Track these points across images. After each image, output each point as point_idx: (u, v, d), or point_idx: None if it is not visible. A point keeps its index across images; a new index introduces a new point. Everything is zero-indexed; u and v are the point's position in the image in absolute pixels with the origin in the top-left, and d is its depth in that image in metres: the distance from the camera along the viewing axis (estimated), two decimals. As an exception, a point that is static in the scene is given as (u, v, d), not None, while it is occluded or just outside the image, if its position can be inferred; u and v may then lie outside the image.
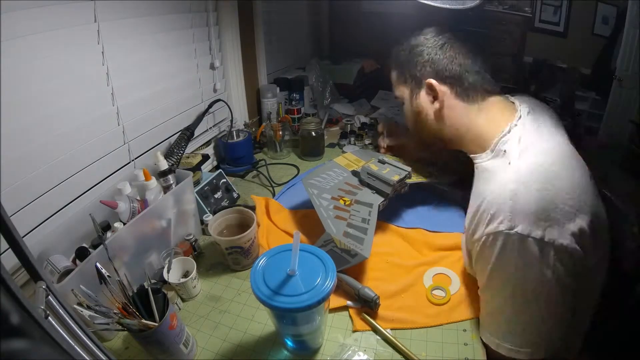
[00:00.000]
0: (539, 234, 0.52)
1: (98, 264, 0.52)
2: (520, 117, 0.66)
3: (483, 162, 0.68)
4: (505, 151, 0.63)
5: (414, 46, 0.77)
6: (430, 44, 0.75)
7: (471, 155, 0.73)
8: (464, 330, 0.63)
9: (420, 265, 0.76)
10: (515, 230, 0.53)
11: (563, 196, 0.54)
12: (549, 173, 0.56)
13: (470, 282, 0.71)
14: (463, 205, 0.81)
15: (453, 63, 0.72)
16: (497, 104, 0.71)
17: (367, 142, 1.32)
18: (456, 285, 0.71)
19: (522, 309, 0.56)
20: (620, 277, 0.72)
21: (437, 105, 0.74)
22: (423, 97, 0.76)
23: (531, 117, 0.66)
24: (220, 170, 1.02)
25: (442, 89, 0.72)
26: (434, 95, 0.74)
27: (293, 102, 1.40)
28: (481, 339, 0.61)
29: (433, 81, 0.73)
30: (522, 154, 0.60)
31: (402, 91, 0.82)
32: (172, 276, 0.70)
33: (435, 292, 0.69)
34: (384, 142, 1.06)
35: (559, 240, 0.52)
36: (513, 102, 0.72)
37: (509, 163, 0.60)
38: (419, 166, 0.96)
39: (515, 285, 0.55)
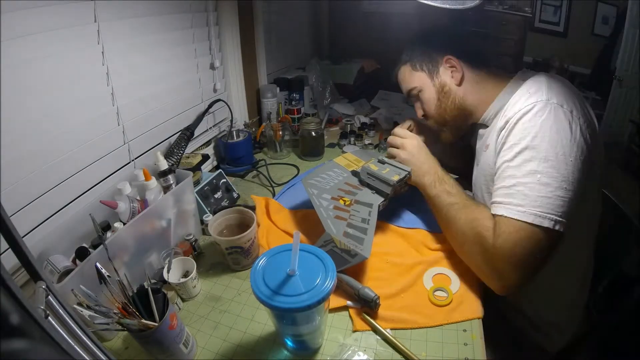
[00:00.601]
0: (569, 108, 0.63)
1: (98, 264, 0.52)
2: (522, 70, 0.77)
3: (501, 97, 0.77)
4: (523, 80, 0.73)
5: (422, 36, 0.87)
6: (438, 29, 0.85)
7: (486, 112, 0.80)
8: (464, 331, 0.63)
9: (420, 265, 0.76)
10: (551, 101, 0.63)
11: (581, 106, 0.66)
12: (569, 93, 0.67)
13: (470, 282, 0.71)
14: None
15: (468, 41, 0.82)
16: (498, 70, 0.81)
17: (367, 142, 1.32)
18: (456, 285, 0.71)
19: (553, 171, 0.60)
20: (620, 277, 0.72)
21: (458, 75, 0.81)
22: (443, 73, 0.83)
23: (525, 71, 0.77)
24: (220, 170, 1.02)
25: (459, 61, 0.80)
26: (453, 68, 0.81)
27: (293, 102, 1.40)
28: (496, 217, 0.64)
29: (451, 56, 0.80)
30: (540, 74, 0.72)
31: (420, 78, 0.85)
32: (172, 276, 0.70)
33: (437, 293, 0.69)
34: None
35: (582, 118, 0.64)
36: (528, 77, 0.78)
37: (534, 77, 0.72)
38: None
39: (549, 145, 0.61)
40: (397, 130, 0.90)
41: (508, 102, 0.72)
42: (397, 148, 0.87)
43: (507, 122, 0.67)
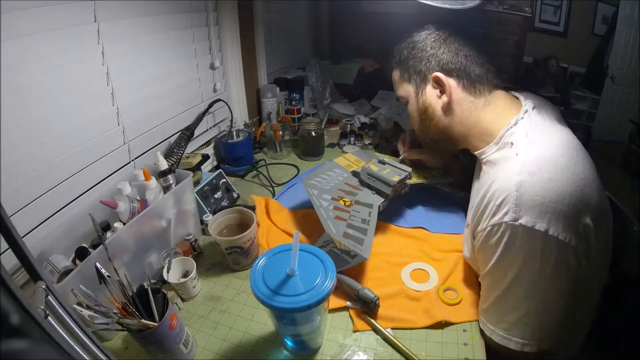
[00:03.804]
0: (544, 227, 0.52)
1: (98, 264, 0.52)
2: (527, 111, 0.65)
3: (488, 155, 0.67)
4: (512, 143, 0.62)
5: (416, 42, 0.75)
6: (433, 38, 0.73)
7: (476, 152, 0.72)
8: (464, 331, 0.63)
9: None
10: (520, 222, 0.53)
11: (570, 189, 0.53)
12: (557, 165, 0.55)
13: (469, 283, 0.71)
14: (463, 206, 0.81)
15: (458, 55, 0.70)
16: (503, 98, 0.71)
17: (367, 142, 1.32)
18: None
19: (520, 299, 0.57)
20: (620, 277, 0.72)
21: (445, 99, 0.71)
22: (429, 92, 0.74)
23: (537, 111, 0.66)
24: (220, 170, 1.02)
25: (449, 82, 0.70)
26: (441, 89, 0.72)
27: (293, 102, 1.40)
28: (479, 326, 0.63)
29: (440, 74, 0.71)
30: (530, 145, 0.59)
31: (406, 90, 0.79)
32: (172, 276, 0.70)
33: (448, 292, 0.69)
34: (405, 153, 1.00)
35: (562, 234, 0.52)
36: (517, 97, 0.71)
37: (517, 154, 0.60)
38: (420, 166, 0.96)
39: (515, 276, 0.56)
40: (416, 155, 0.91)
41: (492, 173, 0.63)
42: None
43: (477, 233, 0.61)
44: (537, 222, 0.52)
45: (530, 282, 0.55)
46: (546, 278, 0.54)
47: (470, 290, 0.69)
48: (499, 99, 0.70)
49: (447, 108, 0.72)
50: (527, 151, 0.59)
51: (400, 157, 0.94)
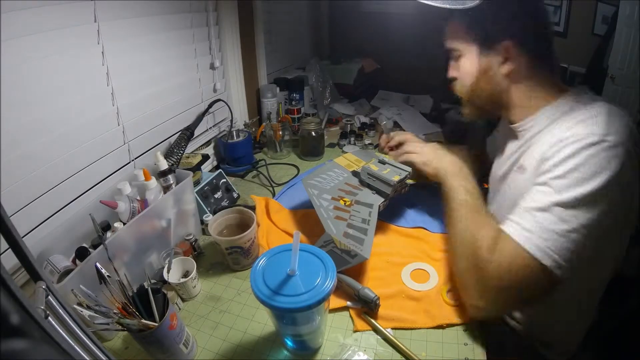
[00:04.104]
0: (625, 148, 0.54)
1: (98, 264, 0.52)
2: (578, 88, 0.68)
3: (546, 113, 0.67)
4: (577, 100, 0.64)
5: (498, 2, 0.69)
6: (517, 7, 0.69)
7: (519, 122, 0.72)
8: (464, 331, 0.63)
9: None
10: (608, 138, 0.54)
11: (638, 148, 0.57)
12: (629, 132, 0.58)
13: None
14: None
15: (536, 26, 0.69)
16: (555, 77, 0.71)
17: (367, 142, 1.32)
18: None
19: (578, 213, 0.54)
20: (620, 278, 0.72)
21: (508, 67, 0.69)
22: (494, 56, 0.70)
23: (583, 88, 0.69)
24: (220, 170, 1.02)
25: (520, 54, 0.68)
26: (507, 57, 0.69)
27: (293, 102, 1.40)
28: (501, 232, 0.59)
29: (511, 42, 0.67)
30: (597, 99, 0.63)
31: (466, 44, 0.73)
32: (172, 276, 0.70)
33: (451, 294, 0.69)
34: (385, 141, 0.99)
35: (635, 160, 0.55)
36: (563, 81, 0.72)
37: (591, 102, 0.62)
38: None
39: (586, 186, 0.54)
40: (400, 136, 0.86)
41: (555, 124, 0.64)
42: (411, 153, 0.82)
43: (551, 147, 0.59)
44: (620, 145, 0.54)
45: (598, 199, 0.54)
46: (607, 199, 0.54)
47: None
48: (554, 78, 0.71)
49: (509, 75, 0.70)
50: (597, 100, 0.62)
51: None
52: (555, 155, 0.58)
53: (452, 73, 0.79)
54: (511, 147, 0.76)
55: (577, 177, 0.55)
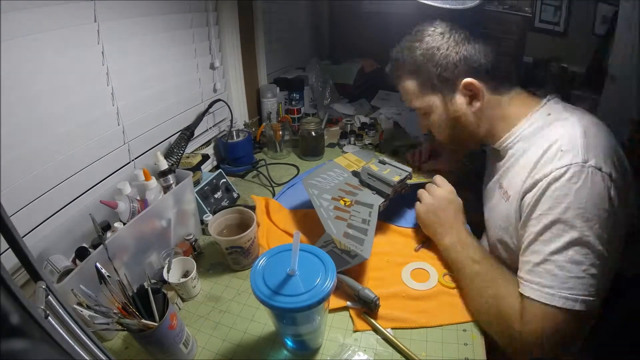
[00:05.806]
0: (608, 170, 0.55)
1: (98, 264, 0.52)
2: (549, 99, 0.69)
3: (523, 131, 0.68)
4: (549, 113, 0.66)
5: (432, 47, 0.71)
6: (453, 40, 0.70)
7: (497, 143, 0.73)
8: (464, 331, 0.63)
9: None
10: (589, 163, 0.54)
11: (618, 159, 0.58)
12: (599, 124, 0.61)
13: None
14: (464, 206, 0.81)
15: (482, 56, 0.69)
16: (524, 93, 0.72)
17: (367, 142, 1.32)
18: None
19: (587, 247, 0.53)
20: (619, 277, 0.72)
21: (477, 105, 0.70)
22: (459, 100, 0.72)
23: (555, 100, 0.69)
24: (220, 170, 1.02)
25: (480, 86, 0.69)
26: (472, 94, 0.70)
27: (293, 102, 1.40)
28: (523, 298, 0.57)
29: (472, 80, 0.68)
30: (570, 111, 0.64)
31: (429, 101, 0.75)
32: (172, 276, 0.70)
33: (447, 277, 0.69)
34: (423, 164, 0.99)
35: (619, 180, 0.55)
36: (532, 93, 0.72)
37: (565, 118, 0.63)
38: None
39: (583, 221, 0.53)
40: (438, 179, 0.80)
41: (531, 143, 0.64)
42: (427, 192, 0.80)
43: (535, 183, 0.58)
44: (603, 165, 0.55)
45: (597, 228, 0.53)
46: (608, 225, 0.54)
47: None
48: (520, 94, 0.72)
49: (478, 113, 0.72)
50: (571, 114, 0.63)
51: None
52: (541, 201, 0.57)
53: (425, 129, 0.82)
54: (495, 164, 0.77)
55: (571, 215, 0.54)
